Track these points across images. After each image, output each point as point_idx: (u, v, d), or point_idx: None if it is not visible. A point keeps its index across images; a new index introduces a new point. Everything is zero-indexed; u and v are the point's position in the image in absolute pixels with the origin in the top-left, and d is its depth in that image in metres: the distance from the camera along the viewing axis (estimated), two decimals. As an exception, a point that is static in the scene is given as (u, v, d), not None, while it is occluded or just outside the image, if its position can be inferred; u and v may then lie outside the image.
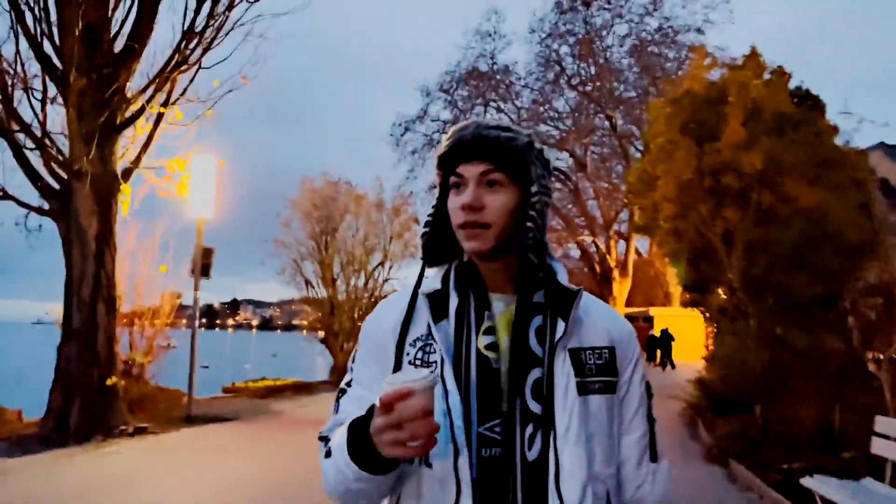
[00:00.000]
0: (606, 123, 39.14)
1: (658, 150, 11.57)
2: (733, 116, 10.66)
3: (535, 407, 1.11)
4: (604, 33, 37.47)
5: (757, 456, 6.61)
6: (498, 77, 39.40)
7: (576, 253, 41.71)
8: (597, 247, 39.69)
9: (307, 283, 19.41)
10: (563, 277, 1.20)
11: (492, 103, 39.84)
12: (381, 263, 20.35)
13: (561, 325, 1.15)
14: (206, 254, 11.51)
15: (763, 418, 7.79)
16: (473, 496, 1.07)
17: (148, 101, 9.68)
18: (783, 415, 6.87)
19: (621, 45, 37.53)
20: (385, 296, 19.80)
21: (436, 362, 1.14)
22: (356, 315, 20.27)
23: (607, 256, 38.75)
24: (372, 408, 1.04)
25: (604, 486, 1.15)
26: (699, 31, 34.13)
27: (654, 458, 1.26)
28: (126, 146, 10.29)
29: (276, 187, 35.44)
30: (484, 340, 1.14)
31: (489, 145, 1.16)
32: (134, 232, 12.01)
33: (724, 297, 11.91)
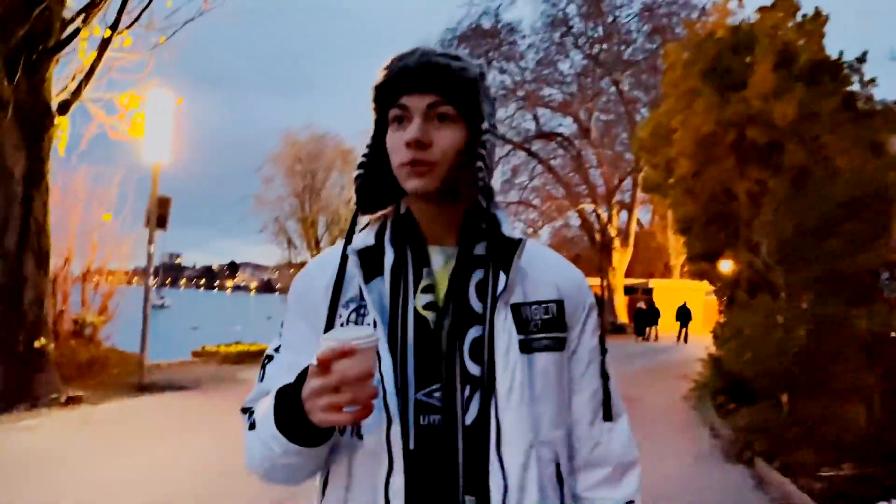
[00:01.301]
0: (613, 88, 37.71)
1: (675, 100, 10.25)
2: (762, 62, 9.32)
3: (473, 368, 1.02)
4: (614, -9, 35.63)
5: (790, 457, 5.45)
6: (501, 35, 37.67)
7: (576, 221, 40.50)
8: (598, 216, 38.57)
9: (289, 242, 18.19)
10: (506, 227, 1.08)
11: (494, 63, 38.29)
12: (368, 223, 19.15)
13: (502, 279, 1.04)
14: (163, 204, 10.24)
15: (793, 410, 6.63)
16: (408, 468, 0.98)
17: (84, 20, 8.31)
18: (826, 408, 5.70)
19: (631, 3, 35.71)
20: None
21: (368, 325, 1.03)
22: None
23: (608, 226, 37.66)
24: (302, 373, 0.93)
25: (551, 450, 1.07)
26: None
27: (608, 416, 1.15)
28: (67, 76, 8.97)
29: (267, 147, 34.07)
30: (422, 300, 1.04)
31: (438, 74, 1.03)
32: (84, 178, 10.74)
33: (740, 266, 10.69)
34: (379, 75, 1.07)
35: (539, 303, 1.09)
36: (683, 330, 25.22)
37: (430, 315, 1.03)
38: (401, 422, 0.98)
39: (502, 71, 38.62)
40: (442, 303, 1.04)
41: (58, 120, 8.51)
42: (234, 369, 12.98)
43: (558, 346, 1.09)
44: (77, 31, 8.30)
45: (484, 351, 1.02)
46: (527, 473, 1.01)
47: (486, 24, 37.85)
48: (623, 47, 37.36)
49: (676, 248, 41.48)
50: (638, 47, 37.10)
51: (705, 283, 35.06)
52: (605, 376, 1.16)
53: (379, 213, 1.12)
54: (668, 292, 37.47)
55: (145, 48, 9.76)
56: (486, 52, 37.97)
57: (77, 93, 8.76)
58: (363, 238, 1.09)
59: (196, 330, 39.08)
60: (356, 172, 1.10)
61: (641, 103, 37.65)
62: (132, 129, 9.85)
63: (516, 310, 1.05)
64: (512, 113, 38.17)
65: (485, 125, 1.06)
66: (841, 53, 9.86)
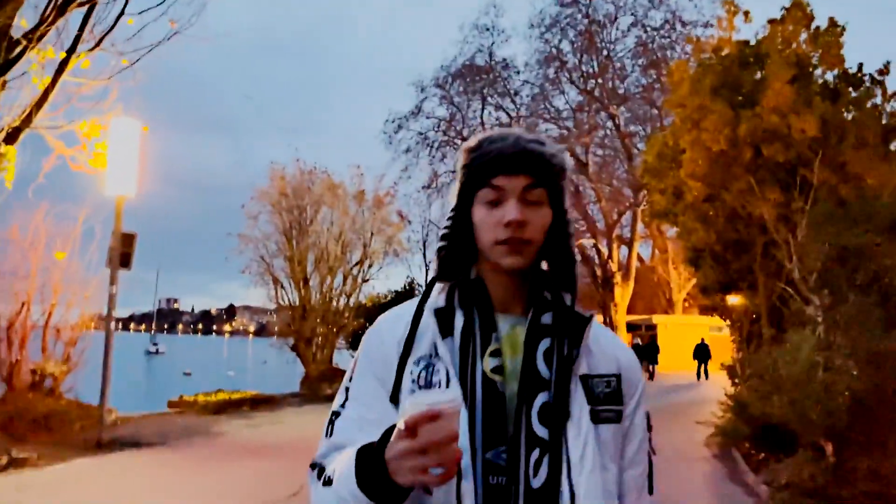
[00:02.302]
0: (609, 123, 37.31)
1: (682, 120, 9.48)
2: (776, 77, 8.56)
3: (541, 432, 1.07)
4: (607, 25, 35.44)
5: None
6: (496, 71, 37.34)
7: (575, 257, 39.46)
8: (598, 251, 37.78)
9: (275, 282, 17.24)
10: (568, 300, 1.17)
11: (489, 99, 37.98)
12: (360, 262, 18.21)
13: (574, 351, 1.12)
14: (126, 241, 9.37)
15: (839, 463, 5.66)
16: None
17: (35, 39, 7.56)
18: (881, 463, 4.74)
19: (625, 37, 35.47)
20: (380, 299, 17.52)
21: (440, 382, 1.09)
22: (332, 320, 18.14)
23: (609, 261, 36.84)
24: (387, 432, 0.96)
25: None
26: (708, 25, 31.93)
27: (651, 490, 1.21)
28: (22, 103, 8.20)
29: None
30: (490, 363, 1.10)
31: (533, 159, 1.14)
32: (43, 215, 9.90)
33: (760, 298, 9.79)
34: (468, 155, 1.17)
35: (602, 376, 1.15)
36: (702, 367, 24.78)
37: (497, 378, 1.09)
38: (472, 479, 1.02)
39: (498, 108, 38.36)
40: (508, 367, 1.10)
41: (4, 149, 7.69)
42: (211, 421, 11.94)
43: (617, 418, 1.15)
44: (25, 50, 7.53)
45: (553, 416, 1.08)
46: None
47: (480, 61, 37.55)
48: (618, 82, 37.07)
49: (678, 283, 40.73)
50: (633, 81, 36.80)
51: (710, 318, 34.29)
52: (650, 452, 1.21)
53: (450, 280, 1.18)
54: (672, 328, 36.54)
55: (108, 73, 9.01)
56: (482, 89, 37.71)
57: (27, 120, 7.99)
58: (435, 299, 1.16)
59: (188, 376, 38.25)
60: (440, 244, 1.19)
61: (639, 137, 37.26)
62: (94, 160, 9.06)
63: (585, 381, 1.13)
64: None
65: (566, 205, 1.18)
66: (860, 66, 9.13)
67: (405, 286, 21.12)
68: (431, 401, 0.89)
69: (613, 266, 36.66)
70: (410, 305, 1.18)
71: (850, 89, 8.60)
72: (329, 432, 1.16)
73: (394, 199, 18.54)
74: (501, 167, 1.12)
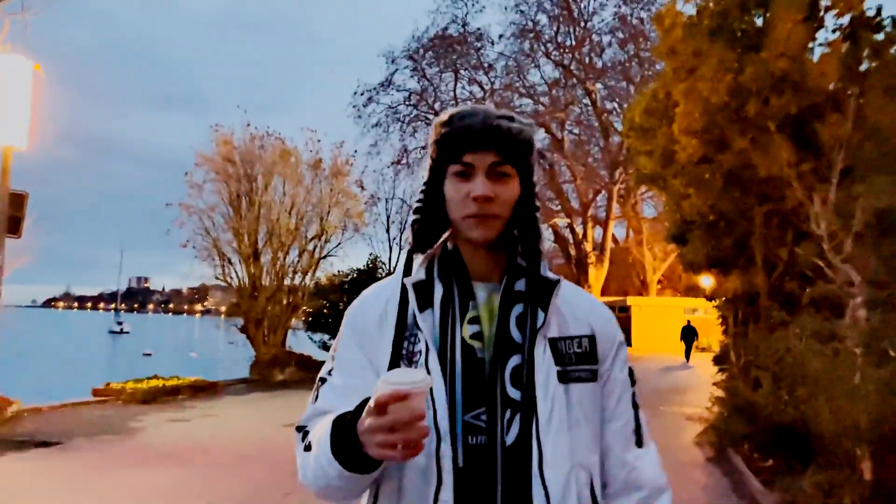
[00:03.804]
0: (586, 100, 36.11)
1: (675, 69, 8.17)
2: (782, 19, 7.26)
3: (514, 393, 1.12)
4: (585, -5, 34.06)
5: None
6: (469, 43, 35.73)
7: (549, 237, 38.53)
8: (572, 231, 36.76)
9: (222, 257, 15.70)
10: (544, 268, 1.21)
11: (463, 72, 36.45)
12: (318, 236, 16.73)
13: (541, 315, 1.16)
14: (16, 202, 7.82)
15: (880, 480, 4.45)
16: (457, 484, 1.06)
17: None
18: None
19: (602, 8, 34.16)
20: (341, 277, 16.04)
21: (420, 351, 1.13)
22: (287, 300, 16.67)
23: (584, 241, 35.85)
24: (360, 405, 1.02)
25: (587, 473, 1.15)
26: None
27: (639, 443, 1.24)
28: None
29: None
30: (469, 330, 1.15)
31: (500, 136, 1.16)
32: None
33: (758, 275, 8.59)
34: (439, 130, 1.20)
35: (573, 338, 1.20)
36: (689, 349, 24.74)
37: (476, 344, 1.15)
38: (451, 441, 1.07)
39: (471, 81, 36.85)
40: (486, 333, 1.16)
41: None
42: (134, 413, 10.48)
43: (591, 377, 1.20)
44: None
45: (523, 378, 1.13)
46: (567, 494, 1.11)
47: (454, 32, 35.92)
48: (595, 57, 35.84)
49: (653, 264, 40.06)
50: (610, 56, 35.59)
51: (686, 299, 33.48)
52: (635, 406, 1.26)
53: (428, 252, 1.23)
54: (646, 310, 35.78)
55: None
56: (455, 62, 36.17)
57: None
58: (415, 273, 1.21)
59: (149, 356, 36.73)
60: (413, 217, 1.24)
61: (615, 114, 36.26)
62: (-26, 105, 7.48)
63: (553, 343, 1.17)
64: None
65: (535, 179, 1.23)
66: (879, 9, 7.86)
67: (368, 264, 19.71)
68: (400, 380, 0.94)
69: (588, 246, 35.70)
70: (391, 281, 1.25)
71: (870, 36, 7.34)
72: (315, 398, 1.21)
73: (352, 168, 16.98)
74: (470, 143, 1.16)
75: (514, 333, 1.14)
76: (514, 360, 1.12)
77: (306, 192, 16.04)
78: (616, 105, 36.63)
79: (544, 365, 1.13)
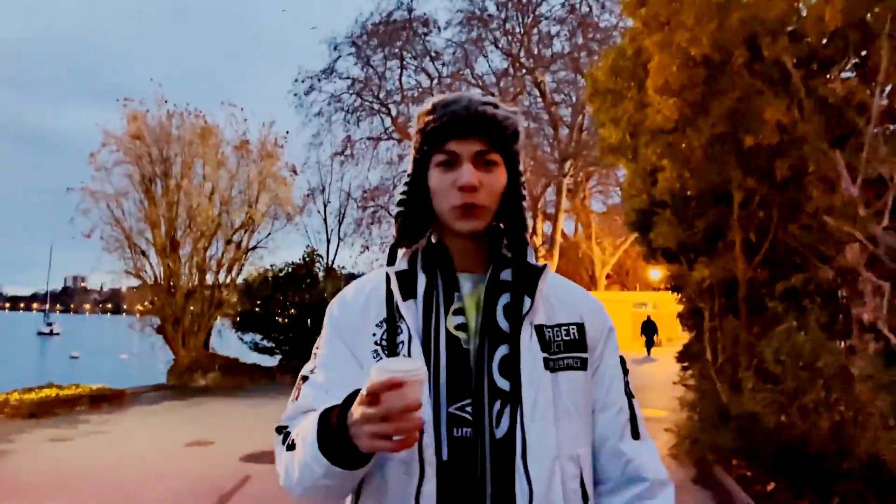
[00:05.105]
0: (535, 91, 35.20)
1: (646, 21, 6.98)
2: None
3: (502, 384, 1.08)
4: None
5: None
6: (414, 28, 34.31)
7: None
8: (522, 224, 35.87)
9: (133, 248, 13.92)
10: (530, 256, 1.19)
11: (409, 60, 35.01)
12: (245, 226, 15.11)
13: (527, 302, 1.13)
14: None
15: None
16: (440, 478, 1.03)
17: None
18: None
19: (551, -1, 33.23)
20: (270, 270, 14.47)
21: (402, 342, 1.10)
22: (212, 297, 15.00)
23: (533, 236, 35.05)
24: (349, 397, 0.98)
25: (576, 465, 1.11)
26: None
27: (636, 434, 1.19)
28: None
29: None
30: (454, 321, 1.12)
31: (486, 123, 1.13)
32: None
33: (739, 266, 7.51)
34: (422, 119, 1.17)
35: (561, 325, 1.17)
36: (650, 342, 25.65)
37: (461, 335, 1.11)
38: (434, 433, 1.04)
39: (418, 69, 35.46)
40: (471, 324, 1.13)
41: None
42: (10, 431, 8.75)
43: (580, 365, 1.16)
44: None
45: (512, 367, 1.09)
46: (551, 485, 1.06)
47: (399, 18, 34.42)
48: (544, 49, 34.97)
49: (602, 259, 39.74)
50: (559, 46, 34.76)
51: (634, 294, 33.05)
52: (629, 395, 1.22)
53: (413, 246, 1.21)
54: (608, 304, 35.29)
55: None
56: (400, 49, 34.73)
57: None
58: (398, 263, 1.19)
59: (75, 359, 34.49)
60: (398, 209, 1.20)
61: (564, 105, 35.55)
62: None
63: (540, 331, 1.14)
64: (428, 114, 34.79)
65: (521, 168, 1.21)
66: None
67: (304, 257, 18.13)
68: (395, 368, 0.90)
69: (537, 240, 34.91)
70: (373, 275, 1.22)
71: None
72: (296, 396, 1.16)
73: (283, 150, 15.39)
74: (455, 131, 1.12)
75: (502, 323, 1.11)
76: (503, 350, 1.09)
77: (230, 176, 14.40)
78: (565, 97, 35.95)
79: (529, 352, 1.10)
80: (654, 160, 6.80)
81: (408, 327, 1.09)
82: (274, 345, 17.26)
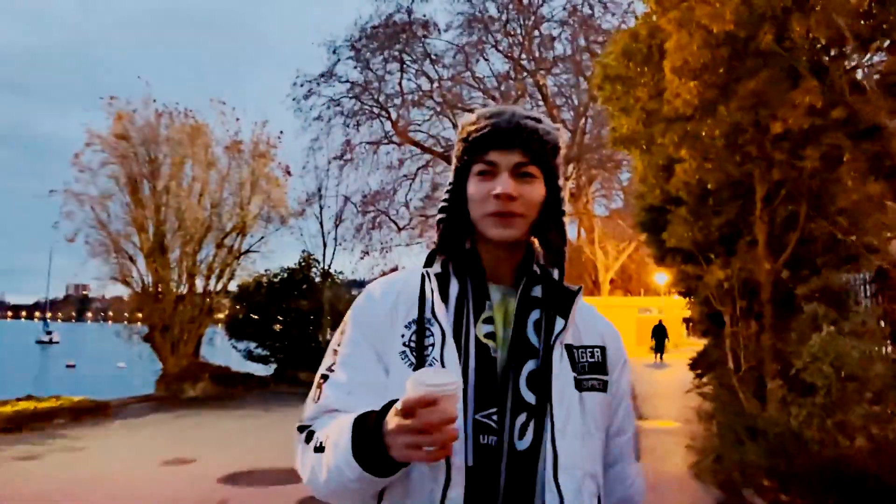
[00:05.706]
0: (537, 94, 34.68)
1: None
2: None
3: (529, 397, 1.09)
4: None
5: None
6: (413, 30, 33.81)
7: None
8: (524, 229, 35.30)
9: (119, 252, 13.35)
10: (557, 275, 1.20)
11: (409, 63, 34.47)
12: (237, 229, 14.53)
13: (560, 322, 1.15)
14: None
15: None
16: (467, 483, 1.03)
17: None
18: None
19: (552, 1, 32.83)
20: (264, 275, 13.87)
21: (432, 344, 1.10)
22: (203, 303, 14.42)
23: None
24: (386, 405, 0.98)
25: (595, 483, 1.13)
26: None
27: (638, 456, 1.26)
28: None
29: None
30: (483, 329, 1.13)
31: (527, 135, 1.15)
32: None
33: (764, 265, 6.92)
34: (465, 129, 1.19)
35: (586, 347, 1.19)
36: (661, 347, 25.31)
37: (490, 343, 1.11)
38: (462, 439, 1.01)
39: (418, 73, 34.93)
40: (500, 334, 1.13)
41: None
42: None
43: (602, 388, 1.18)
44: None
45: (540, 382, 1.10)
46: (579, 502, 1.07)
47: (398, 20, 33.94)
48: (545, 51, 34.49)
49: (605, 264, 39.13)
50: (560, 50, 34.29)
51: (638, 299, 32.44)
52: (633, 419, 1.27)
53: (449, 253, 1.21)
54: (599, 310, 34.53)
55: None
56: (400, 52, 34.23)
57: None
58: (434, 266, 1.19)
59: (72, 368, 34.05)
60: (440, 216, 1.21)
61: (566, 108, 35.12)
62: None
63: (570, 350, 1.16)
64: (428, 118, 34.40)
65: (560, 182, 1.20)
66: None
67: (300, 261, 17.55)
68: (431, 382, 0.90)
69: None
70: (402, 274, 1.23)
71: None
72: (317, 396, 1.16)
73: (276, 151, 14.82)
74: (496, 142, 1.14)
75: (532, 337, 1.13)
76: (531, 365, 1.11)
77: (221, 177, 13.84)
78: (567, 100, 35.54)
79: (561, 371, 1.12)
80: (671, 150, 6.22)
81: (440, 330, 1.10)
82: (269, 353, 16.68)
